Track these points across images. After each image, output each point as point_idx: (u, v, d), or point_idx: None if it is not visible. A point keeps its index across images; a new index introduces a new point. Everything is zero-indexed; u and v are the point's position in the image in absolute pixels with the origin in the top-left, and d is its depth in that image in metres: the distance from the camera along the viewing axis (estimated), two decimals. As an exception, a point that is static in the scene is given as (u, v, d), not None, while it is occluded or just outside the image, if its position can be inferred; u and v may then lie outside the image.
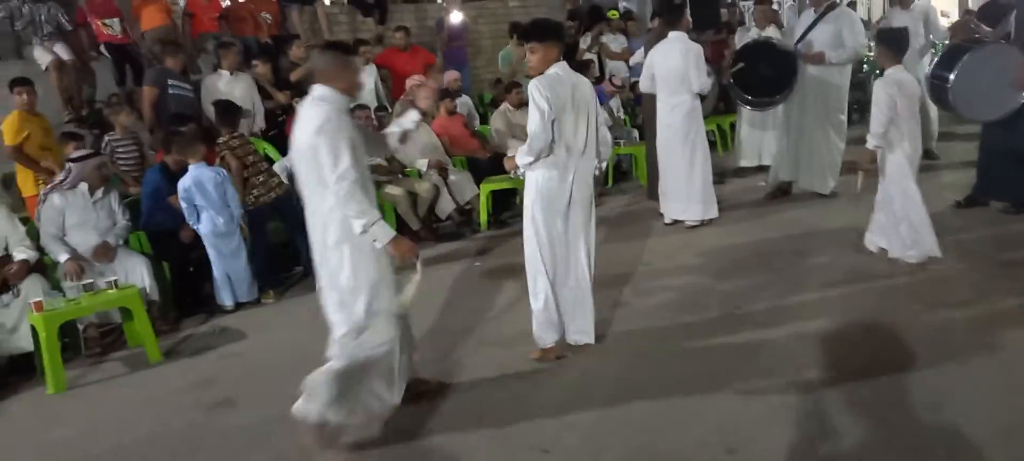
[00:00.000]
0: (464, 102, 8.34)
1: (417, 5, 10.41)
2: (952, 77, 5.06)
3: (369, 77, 8.09)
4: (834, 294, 4.31)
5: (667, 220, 6.19)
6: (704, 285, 4.71)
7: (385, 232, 2.97)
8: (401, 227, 6.56)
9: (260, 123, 7.17)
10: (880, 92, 4.51)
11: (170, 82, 6.68)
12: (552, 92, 3.47)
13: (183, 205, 5.16)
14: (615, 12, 10.44)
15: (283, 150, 6.33)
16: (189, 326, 5.09)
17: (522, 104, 7.87)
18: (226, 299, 5.27)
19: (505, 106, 7.83)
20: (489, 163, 7.38)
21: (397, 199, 6.48)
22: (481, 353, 4.04)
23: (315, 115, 2.96)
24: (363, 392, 3.09)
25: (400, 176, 6.78)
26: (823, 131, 6.31)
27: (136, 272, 4.90)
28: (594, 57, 9.63)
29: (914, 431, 2.84)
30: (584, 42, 9.82)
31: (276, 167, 6.14)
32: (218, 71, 7.04)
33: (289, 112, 7.01)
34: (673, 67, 5.86)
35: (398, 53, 8.69)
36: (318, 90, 3.06)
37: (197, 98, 6.89)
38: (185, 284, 5.39)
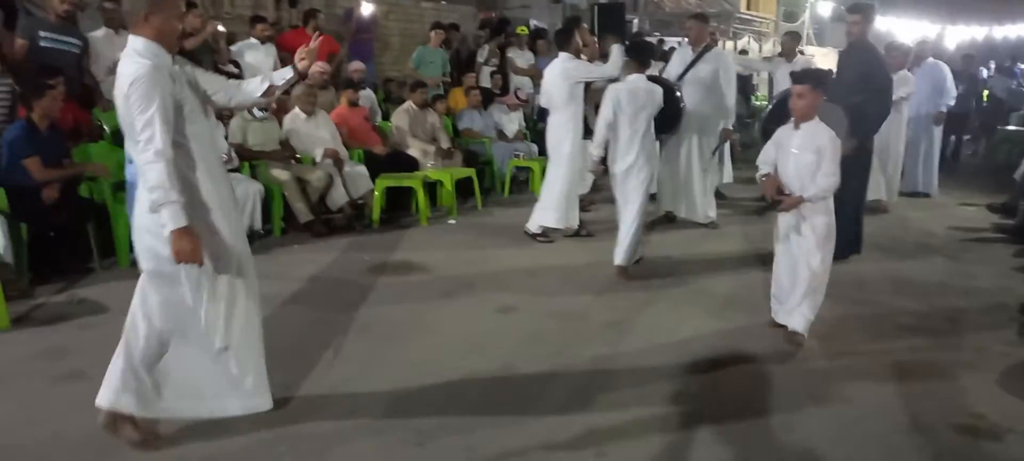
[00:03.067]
0: (367, 95, 8.22)
1: (327, -8, 10.19)
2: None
3: (267, 57, 7.85)
4: (707, 327, 4.53)
5: (533, 228, 6.28)
6: (583, 301, 4.83)
7: (174, 218, 2.59)
8: (288, 214, 6.40)
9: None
10: (604, 100, 5.14)
11: (43, 33, 6.19)
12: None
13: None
14: (524, 28, 10.61)
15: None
16: (44, 294, 4.73)
17: (425, 104, 7.87)
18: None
19: (409, 105, 7.78)
20: (387, 159, 7.31)
21: (285, 184, 6.29)
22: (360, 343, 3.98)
23: (127, 71, 2.61)
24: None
25: (293, 162, 6.59)
26: (702, 165, 6.64)
27: (-11, 231, 4.51)
28: (495, 69, 9.73)
29: None
30: (481, 55, 9.93)
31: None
32: (103, 29, 6.60)
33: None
34: (550, 84, 6.14)
35: (303, 36, 8.44)
36: (132, 42, 2.67)
37: (83, 54, 6.43)
38: (44, 249, 5.00)
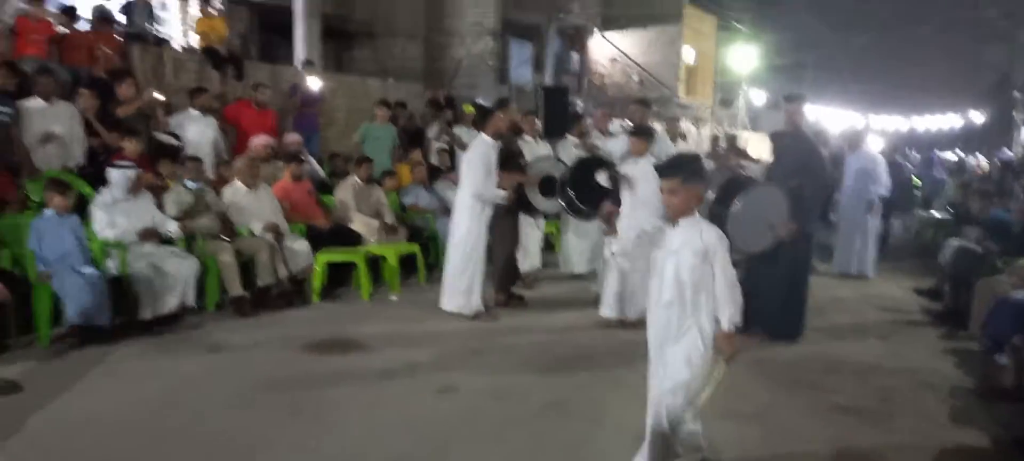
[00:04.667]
0: (312, 169, 8.16)
1: (273, 67, 10.21)
2: (731, 210, 5.27)
3: (209, 129, 7.76)
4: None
5: (448, 309, 6.26)
6: (525, 381, 4.77)
7: None
8: (224, 291, 6.21)
9: (78, 158, 6.61)
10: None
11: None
12: None
13: None
14: (470, 106, 10.78)
15: (99, 189, 5.85)
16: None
17: (371, 179, 7.84)
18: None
19: (353, 179, 7.74)
20: (329, 233, 7.21)
21: (222, 258, 6.12)
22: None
23: None
24: None
25: (230, 237, 6.43)
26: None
27: None
28: (445, 146, 9.82)
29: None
30: (431, 131, 10.03)
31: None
32: (34, 97, 6.45)
33: (113, 152, 6.51)
34: (464, 163, 6.34)
35: (249, 109, 8.42)
36: None
37: (14, 123, 6.23)
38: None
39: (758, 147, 18.64)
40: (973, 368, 5.18)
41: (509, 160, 6.54)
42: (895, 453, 3.80)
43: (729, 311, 3.03)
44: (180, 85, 8.71)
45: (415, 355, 5.12)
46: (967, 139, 21.63)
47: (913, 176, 13.75)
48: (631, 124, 7.03)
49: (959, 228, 8.36)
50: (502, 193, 6.21)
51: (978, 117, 22.20)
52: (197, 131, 7.67)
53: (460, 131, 10.21)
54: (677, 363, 3.07)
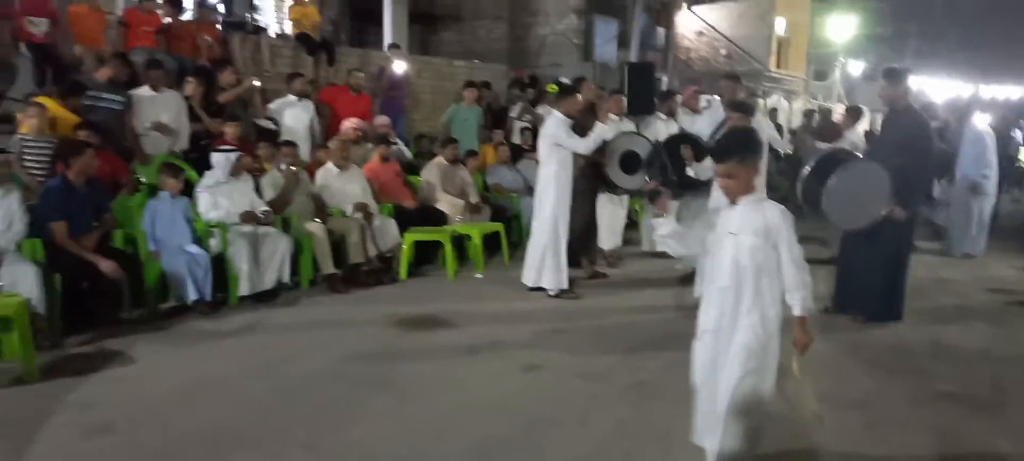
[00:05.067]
0: (399, 150, 8.35)
1: (363, 52, 10.46)
2: (828, 185, 5.17)
3: (305, 113, 8.04)
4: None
5: (529, 284, 6.31)
6: (609, 361, 4.75)
7: None
8: (317, 268, 6.45)
9: (184, 143, 6.99)
10: None
11: (90, 92, 6.46)
12: None
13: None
14: (554, 86, 10.71)
15: (202, 173, 6.18)
16: (74, 345, 4.79)
17: (456, 159, 7.95)
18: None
19: (440, 159, 7.87)
20: (415, 213, 7.37)
21: (315, 237, 6.35)
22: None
23: None
24: None
25: (324, 215, 6.67)
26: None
27: (25, 281, 4.60)
28: (528, 126, 9.82)
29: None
30: (513, 111, 10.04)
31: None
32: (144, 87, 6.86)
33: (214, 137, 6.85)
34: (540, 140, 6.36)
35: (343, 93, 8.67)
36: None
37: (126, 110, 6.66)
38: (76, 299, 5.08)
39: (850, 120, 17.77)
40: (1096, 355, 4.81)
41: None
42: (1006, 442, 3.58)
43: (800, 295, 2.80)
44: (276, 71, 9.05)
45: (500, 333, 5.18)
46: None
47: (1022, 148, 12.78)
48: (720, 100, 6.82)
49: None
50: (584, 142, 6.09)
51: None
52: (294, 115, 7.96)
53: (543, 110, 10.21)
54: (738, 352, 2.83)
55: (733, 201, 2.87)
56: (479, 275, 7.01)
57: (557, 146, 6.10)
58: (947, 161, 8.49)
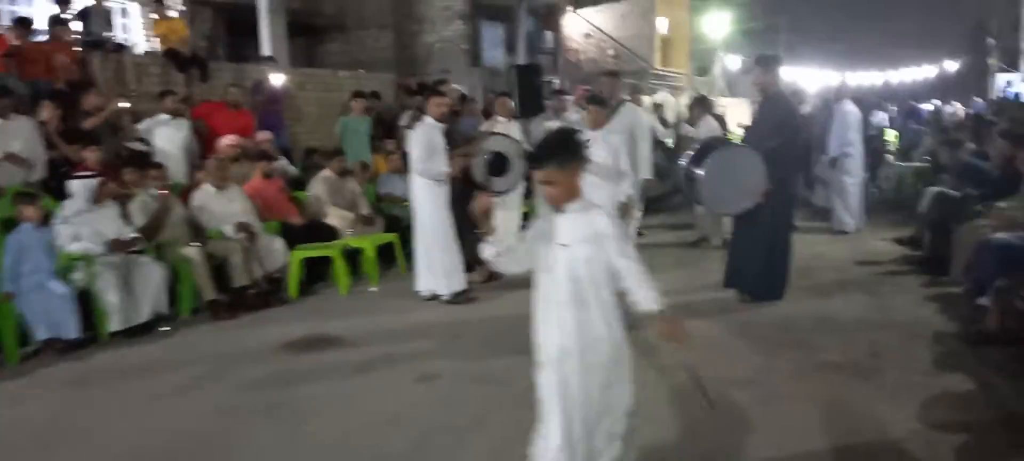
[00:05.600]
0: (281, 165, 8.02)
1: (238, 66, 10.01)
2: (701, 171, 5.48)
3: (179, 132, 7.59)
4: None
5: (423, 293, 6.26)
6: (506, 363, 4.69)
7: None
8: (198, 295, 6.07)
9: (40, 172, 6.45)
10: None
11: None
12: None
13: None
14: (443, 92, 10.60)
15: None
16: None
17: (344, 171, 7.71)
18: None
19: (327, 173, 7.60)
20: (304, 229, 7.08)
21: (193, 262, 5.98)
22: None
23: None
24: None
25: (200, 240, 6.29)
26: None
27: None
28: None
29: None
30: (403, 119, 9.88)
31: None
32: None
33: (75, 164, 6.34)
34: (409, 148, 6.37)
35: (221, 109, 8.25)
36: None
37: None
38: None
39: (737, 112, 18.60)
40: (956, 314, 5.15)
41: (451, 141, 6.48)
42: (886, 405, 3.75)
43: (643, 294, 2.57)
44: (144, 90, 8.51)
45: (394, 346, 5.02)
46: (943, 89, 21.69)
47: (887, 129, 13.76)
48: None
49: (937, 176, 8.34)
50: (443, 169, 6.09)
51: (952, 66, 22.27)
52: (166, 136, 7.49)
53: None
54: (594, 371, 2.58)
55: (558, 209, 2.60)
56: (374, 288, 6.80)
57: (431, 151, 6.04)
58: (807, 146, 8.93)
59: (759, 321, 5.36)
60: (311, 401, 4.12)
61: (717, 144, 5.67)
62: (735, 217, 5.95)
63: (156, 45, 10.28)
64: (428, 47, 13.82)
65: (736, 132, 13.20)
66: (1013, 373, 4.00)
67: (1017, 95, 14.33)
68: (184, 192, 6.80)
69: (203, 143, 7.80)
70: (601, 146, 5.24)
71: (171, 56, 8.98)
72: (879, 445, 3.36)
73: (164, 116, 7.55)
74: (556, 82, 17.47)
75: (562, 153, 2.58)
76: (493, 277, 6.66)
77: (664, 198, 11.31)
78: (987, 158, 7.18)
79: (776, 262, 5.81)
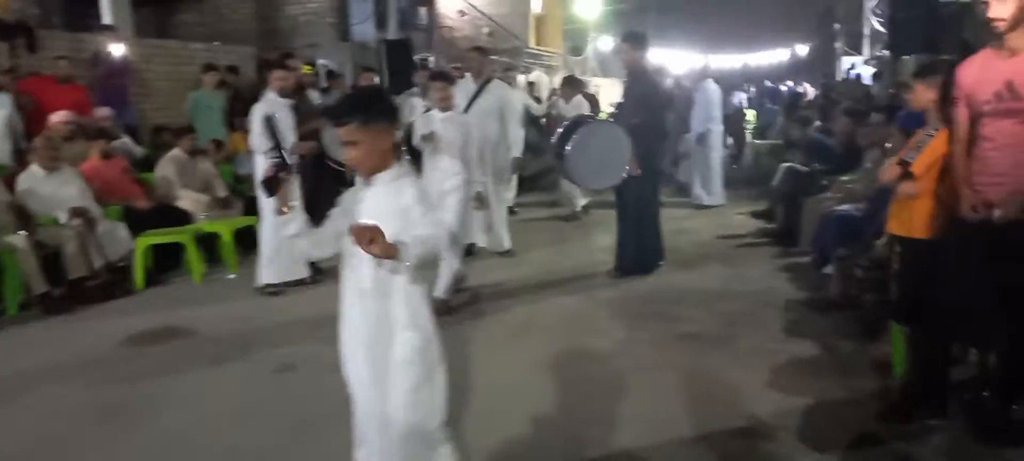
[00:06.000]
0: (123, 144, 7.38)
1: (73, 36, 9.09)
2: (568, 148, 5.47)
3: (2, 106, 6.81)
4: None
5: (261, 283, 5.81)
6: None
7: None
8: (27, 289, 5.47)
9: None
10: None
11: None
12: None
13: None
14: (309, 67, 10.14)
15: None
16: None
17: (196, 151, 7.19)
18: None
19: (176, 152, 7.05)
20: (152, 213, 6.54)
21: (20, 252, 5.37)
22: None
23: None
24: None
25: (28, 228, 5.66)
26: (497, 197, 6.61)
27: None
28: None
29: None
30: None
31: None
32: None
33: None
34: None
35: (51, 83, 7.48)
36: None
37: None
38: None
39: (610, 92, 19.04)
40: (805, 282, 5.46)
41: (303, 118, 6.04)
42: (739, 371, 3.90)
43: (414, 250, 2.05)
44: (-40, 63, 7.57)
45: (251, 336, 4.72)
46: (796, 71, 23.19)
47: (746, 109, 14.54)
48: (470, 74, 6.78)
49: (788, 153, 8.85)
50: (268, 146, 5.46)
51: (803, 50, 23.85)
52: (-12, 110, 6.70)
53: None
54: (399, 370, 2.25)
55: (366, 179, 2.30)
56: (232, 275, 6.38)
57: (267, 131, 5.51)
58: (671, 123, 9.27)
59: (625, 296, 5.47)
60: (157, 398, 3.80)
61: (584, 121, 5.69)
62: (615, 196, 6.03)
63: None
64: (293, 19, 13.14)
65: (607, 110, 13.52)
66: (851, 335, 4.27)
67: (859, 76, 15.46)
68: (9, 176, 6.11)
69: (29, 121, 7.04)
70: (451, 127, 5.05)
71: (-9, 24, 8.02)
72: (733, 408, 3.48)
73: (-18, 90, 6.74)
74: (430, 59, 17.23)
75: (366, 110, 2.24)
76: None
77: (539, 176, 11.40)
78: (832, 135, 7.66)
79: (645, 237, 5.94)
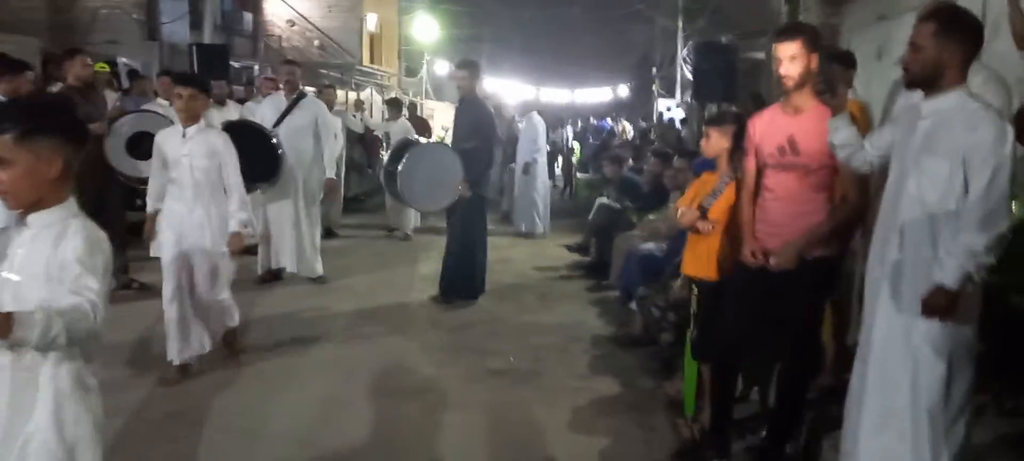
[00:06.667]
0: None
1: None
2: (400, 168, 5.60)
3: None
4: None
5: None
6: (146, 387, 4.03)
7: None
8: None
9: None
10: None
11: None
12: None
13: None
14: (105, 65, 9.14)
15: None
16: None
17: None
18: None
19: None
20: None
21: None
22: None
23: None
24: None
25: None
26: (309, 218, 6.27)
27: None
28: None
29: None
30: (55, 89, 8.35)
31: None
32: None
33: None
34: None
35: None
36: None
37: None
38: None
39: (443, 115, 19.06)
40: (612, 317, 5.61)
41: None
42: (543, 408, 3.88)
43: (36, 331, 1.54)
44: None
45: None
46: (618, 109, 24.57)
47: (571, 143, 15.15)
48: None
49: (605, 188, 9.21)
50: None
51: (624, 90, 25.37)
52: None
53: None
54: None
55: (19, 216, 1.76)
56: None
57: None
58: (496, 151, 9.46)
59: (438, 326, 5.36)
60: None
61: (414, 142, 5.69)
62: (446, 221, 6.01)
63: None
64: (92, 12, 11.91)
65: (440, 133, 13.49)
66: (650, 372, 4.40)
67: (672, 120, 16.60)
68: None
69: None
70: (198, 145, 3.97)
71: None
72: (534, 450, 3.44)
73: None
74: (256, 68, 16.33)
75: (28, 119, 1.69)
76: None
77: (365, 196, 11.07)
78: (643, 173, 8.05)
79: (470, 263, 5.88)
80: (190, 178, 3.96)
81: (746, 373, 3.62)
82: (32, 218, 1.74)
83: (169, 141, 4.03)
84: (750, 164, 3.15)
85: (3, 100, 4.65)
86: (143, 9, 12.28)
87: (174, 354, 3.99)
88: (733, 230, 3.28)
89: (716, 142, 3.41)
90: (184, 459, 3.26)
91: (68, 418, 1.74)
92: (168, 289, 3.96)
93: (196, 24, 12.51)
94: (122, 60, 10.58)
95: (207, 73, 8.91)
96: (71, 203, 1.77)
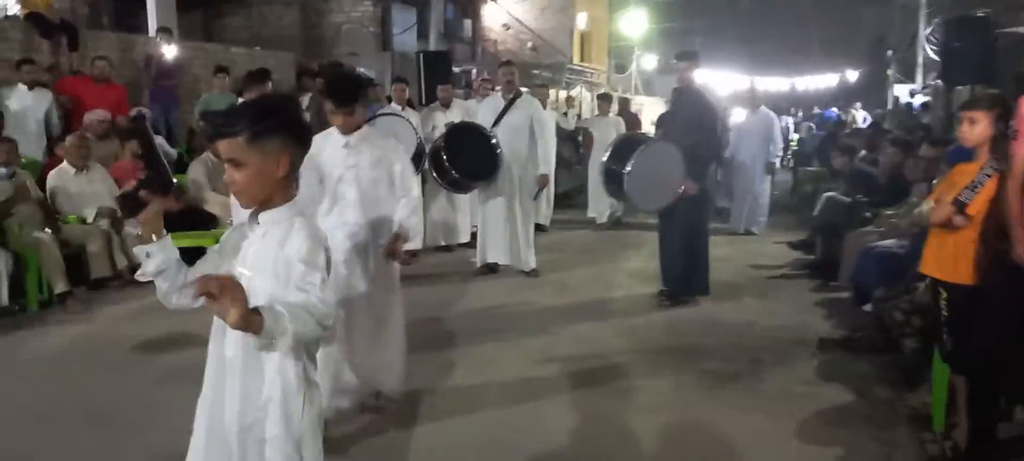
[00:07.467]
0: (158, 144, 7.43)
1: (123, 37, 9.26)
2: (629, 168, 5.34)
3: (40, 103, 6.93)
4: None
5: None
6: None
7: None
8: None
9: None
10: None
11: None
12: None
13: None
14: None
15: None
16: None
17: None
18: None
19: (207, 156, 7.07)
20: (181, 216, 6.54)
21: (43, 248, 5.39)
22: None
23: None
24: None
25: (54, 224, 5.71)
26: (524, 214, 6.46)
27: None
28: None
29: None
30: (303, 102, 9.42)
31: None
32: None
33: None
34: None
35: (88, 83, 7.60)
36: None
37: None
38: None
39: (652, 111, 18.79)
40: (842, 320, 5.16)
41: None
42: (761, 416, 3.66)
43: (281, 325, 1.56)
44: (1, 57, 7.74)
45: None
46: (846, 97, 22.59)
47: (792, 133, 14.18)
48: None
49: (832, 182, 8.52)
50: None
51: (853, 76, 23.24)
52: (23, 105, 6.82)
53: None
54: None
55: (253, 212, 1.81)
56: (254, 281, 6.33)
57: None
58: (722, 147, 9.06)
59: (648, 325, 5.27)
60: (159, 407, 3.68)
61: (640, 139, 5.58)
62: (660, 216, 5.88)
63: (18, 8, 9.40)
64: (336, 27, 13.28)
65: (650, 129, 13.29)
66: (888, 382, 3.99)
67: (910, 105, 14.94)
68: (41, 172, 6.19)
69: (69, 119, 7.15)
70: (363, 156, 3.48)
71: (34, 20, 8.17)
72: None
73: (22, 87, 6.88)
74: (474, 71, 17.22)
75: (258, 121, 1.71)
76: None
77: (573, 193, 11.23)
78: (878, 165, 7.33)
79: (695, 259, 5.73)
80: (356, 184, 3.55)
81: (1010, 388, 3.16)
82: (263, 216, 1.80)
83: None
84: (1020, 151, 2.74)
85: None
86: (378, 22, 13.46)
87: None
88: (990, 228, 2.87)
89: (982, 128, 2.98)
90: (404, 437, 3.49)
91: (294, 412, 1.77)
92: None
93: (423, 33, 13.45)
94: (360, 70, 11.64)
95: (432, 78, 9.60)
96: (297, 201, 1.83)
